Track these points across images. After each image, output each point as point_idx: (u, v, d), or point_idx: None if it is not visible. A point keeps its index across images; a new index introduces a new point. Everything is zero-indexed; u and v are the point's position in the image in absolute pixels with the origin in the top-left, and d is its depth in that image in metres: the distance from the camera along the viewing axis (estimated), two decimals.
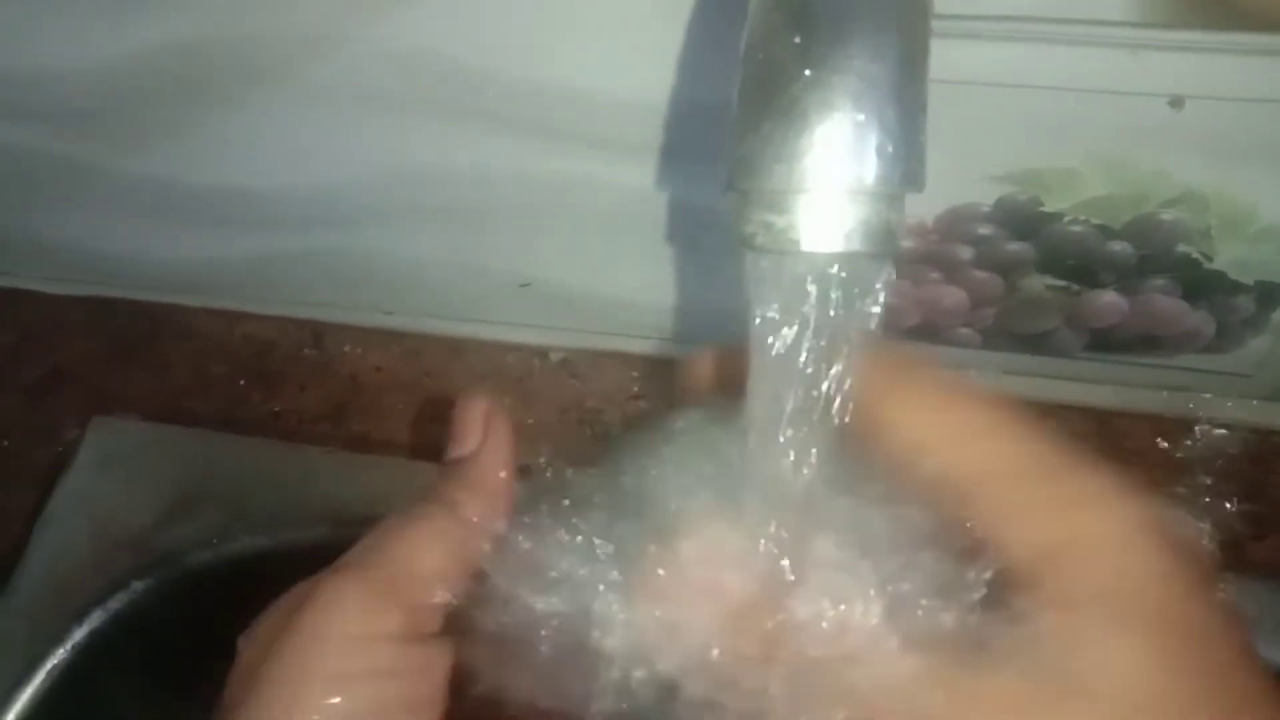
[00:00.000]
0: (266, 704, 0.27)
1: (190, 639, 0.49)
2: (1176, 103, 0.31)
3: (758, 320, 0.20)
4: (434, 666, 0.28)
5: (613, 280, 0.45)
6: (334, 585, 0.28)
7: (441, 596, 0.29)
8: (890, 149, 0.19)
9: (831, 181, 0.19)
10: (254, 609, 0.49)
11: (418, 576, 0.28)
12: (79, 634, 0.46)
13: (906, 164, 0.19)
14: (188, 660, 0.49)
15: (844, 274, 0.19)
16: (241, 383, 0.51)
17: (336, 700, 0.26)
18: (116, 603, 0.47)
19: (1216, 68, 0.30)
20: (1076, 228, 0.36)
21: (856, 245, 0.19)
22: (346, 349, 0.50)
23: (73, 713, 0.46)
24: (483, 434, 0.31)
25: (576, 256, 0.44)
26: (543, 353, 0.49)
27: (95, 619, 0.47)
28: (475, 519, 0.29)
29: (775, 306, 0.19)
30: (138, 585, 0.47)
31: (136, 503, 0.48)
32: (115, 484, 0.49)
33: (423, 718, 0.27)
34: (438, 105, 0.37)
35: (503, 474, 0.31)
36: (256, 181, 0.43)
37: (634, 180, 0.39)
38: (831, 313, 0.19)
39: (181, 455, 0.49)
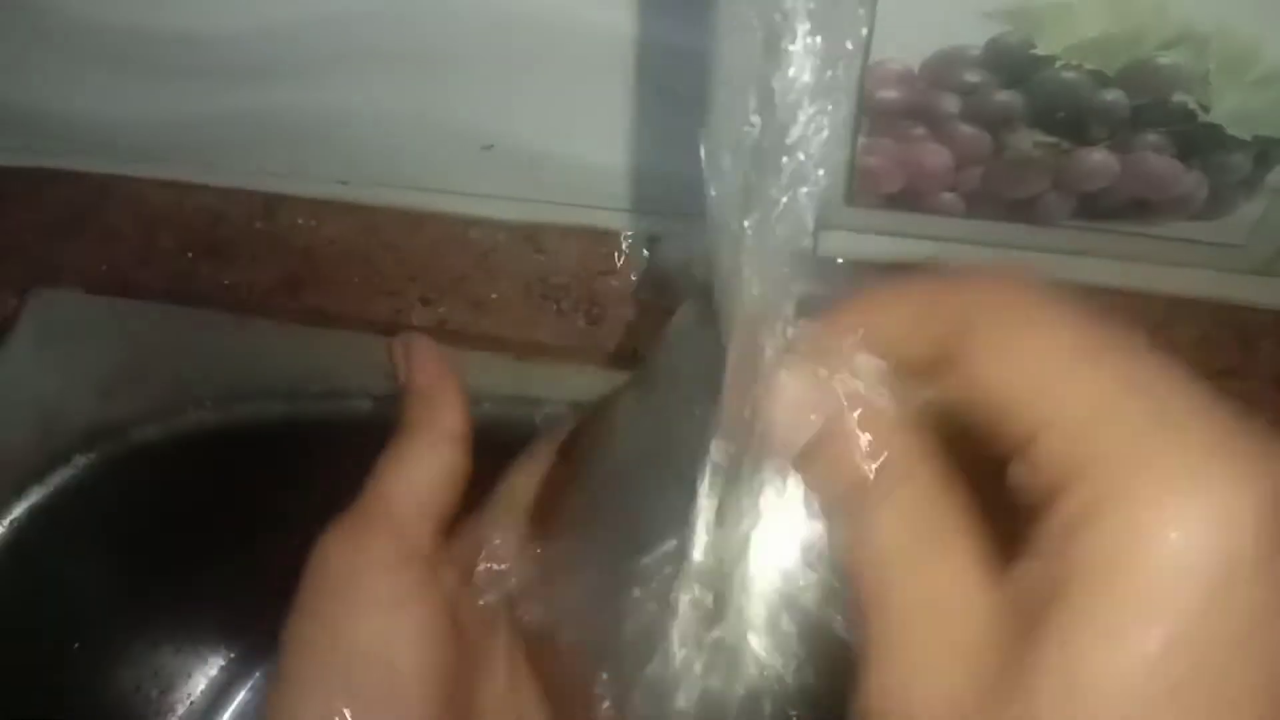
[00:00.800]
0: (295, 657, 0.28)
1: (136, 515, 0.47)
2: None
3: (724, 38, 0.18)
4: (436, 586, 0.29)
5: (583, 141, 0.42)
6: (329, 536, 0.30)
7: (434, 512, 0.31)
8: None
9: None
10: (203, 485, 0.47)
11: (409, 499, 0.31)
12: (19, 510, 0.44)
13: None
14: (132, 537, 0.48)
15: None
16: (190, 255, 0.48)
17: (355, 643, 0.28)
18: (58, 478, 0.45)
19: None
20: (1069, 74, 0.35)
21: None
22: (300, 221, 0.48)
23: (14, 590, 0.44)
24: (427, 365, 0.34)
25: (544, 112, 0.41)
26: (507, 226, 0.47)
27: (35, 495, 0.45)
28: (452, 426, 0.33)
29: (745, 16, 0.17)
30: (80, 460, 0.45)
31: (79, 376, 0.46)
32: (57, 358, 0.47)
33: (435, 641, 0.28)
34: None
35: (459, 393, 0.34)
36: (200, 23, 0.41)
37: (610, 18, 0.37)
38: (810, 37, 0.17)
39: (126, 328, 0.47)
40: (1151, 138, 0.36)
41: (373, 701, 0.27)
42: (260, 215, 0.48)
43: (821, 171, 0.19)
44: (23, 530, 0.44)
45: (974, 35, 0.34)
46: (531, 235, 0.47)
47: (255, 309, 0.47)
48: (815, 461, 0.19)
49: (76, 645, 0.47)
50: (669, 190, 0.43)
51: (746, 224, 0.19)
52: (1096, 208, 0.39)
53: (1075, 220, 0.40)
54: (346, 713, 0.27)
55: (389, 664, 0.27)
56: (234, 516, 0.48)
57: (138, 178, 0.49)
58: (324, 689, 0.27)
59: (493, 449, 0.44)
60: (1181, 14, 0.32)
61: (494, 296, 0.46)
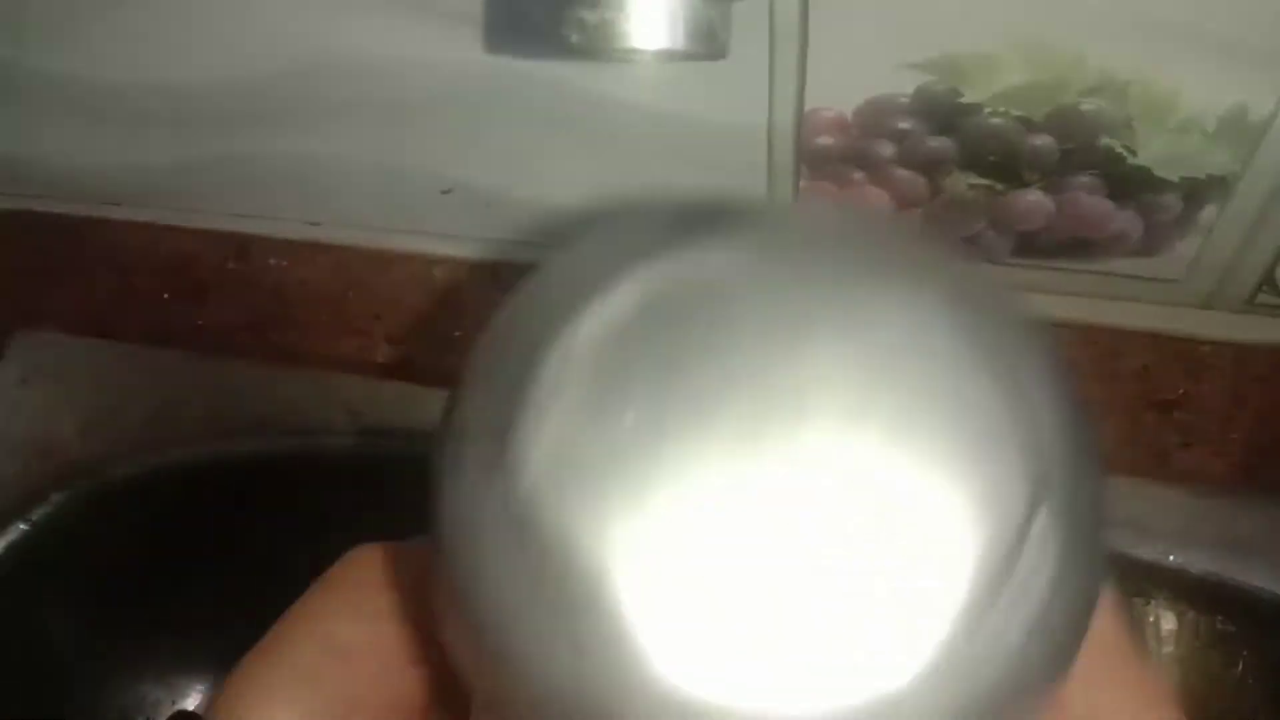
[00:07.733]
0: None
1: (111, 552, 0.48)
2: None
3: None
4: None
5: (538, 184, 0.44)
6: None
7: None
8: None
9: None
10: (177, 522, 0.49)
11: None
12: None
13: None
14: (109, 573, 0.49)
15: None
16: (165, 296, 0.50)
17: None
18: (36, 515, 0.46)
19: None
20: (997, 120, 0.36)
21: (675, 43, 0.18)
22: (272, 261, 0.49)
23: None
24: None
25: (500, 157, 0.43)
26: (469, 263, 0.48)
27: (14, 532, 0.46)
28: None
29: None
30: (57, 497, 0.46)
31: (58, 416, 0.48)
32: (37, 398, 0.48)
33: None
34: None
35: None
36: (174, 76, 0.42)
37: (558, 71, 0.38)
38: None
39: (104, 369, 0.49)
40: (1083, 179, 0.37)
41: None
42: (233, 256, 0.50)
43: None
44: (2, 567, 0.46)
45: (902, 84, 0.35)
46: (494, 272, 0.48)
47: (228, 348, 0.48)
48: None
49: (58, 678, 0.49)
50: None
51: None
52: (1036, 246, 0.40)
53: (1017, 258, 0.41)
54: None
55: None
56: (210, 549, 0.49)
57: (114, 220, 0.51)
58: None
59: None
60: (1099, 63, 0.33)
61: (457, 334, 0.47)
